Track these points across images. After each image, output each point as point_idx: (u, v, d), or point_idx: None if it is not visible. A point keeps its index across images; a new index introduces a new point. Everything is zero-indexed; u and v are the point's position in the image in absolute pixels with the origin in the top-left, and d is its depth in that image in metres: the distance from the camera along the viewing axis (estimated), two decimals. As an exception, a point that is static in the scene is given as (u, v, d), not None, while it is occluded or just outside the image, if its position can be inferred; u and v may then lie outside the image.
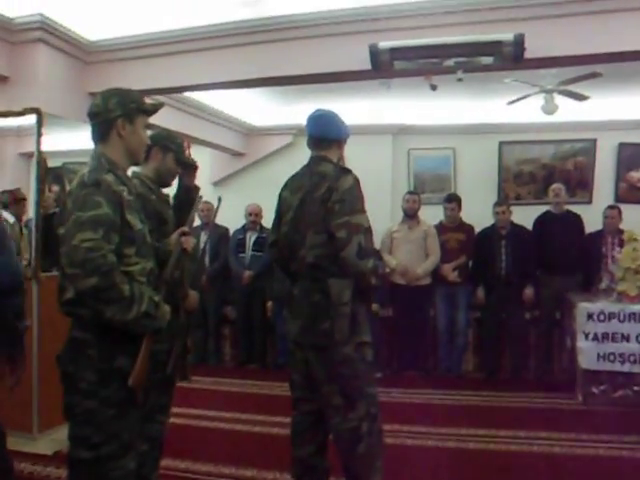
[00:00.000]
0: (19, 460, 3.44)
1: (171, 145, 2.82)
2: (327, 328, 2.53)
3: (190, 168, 2.94)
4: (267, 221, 6.32)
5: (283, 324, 6.30)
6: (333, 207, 2.52)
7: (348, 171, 2.62)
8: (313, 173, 2.67)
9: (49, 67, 4.14)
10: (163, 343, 2.42)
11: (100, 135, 2.04)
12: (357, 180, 2.60)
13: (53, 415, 3.24)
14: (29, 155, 6.99)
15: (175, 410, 3.10)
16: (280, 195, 2.83)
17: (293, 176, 2.81)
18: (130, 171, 2.47)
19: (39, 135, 3.92)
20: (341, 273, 2.53)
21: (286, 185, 2.81)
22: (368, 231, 2.59)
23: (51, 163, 4.43)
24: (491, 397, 5.01)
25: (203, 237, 6.24)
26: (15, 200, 5.11)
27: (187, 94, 5.59)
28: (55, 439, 3.69)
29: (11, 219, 4.70)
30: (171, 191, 2.94)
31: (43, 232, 3.88)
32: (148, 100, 2.30)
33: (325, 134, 2.73)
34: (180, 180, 2.95)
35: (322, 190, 2.57)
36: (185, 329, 2.76)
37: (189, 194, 2.85)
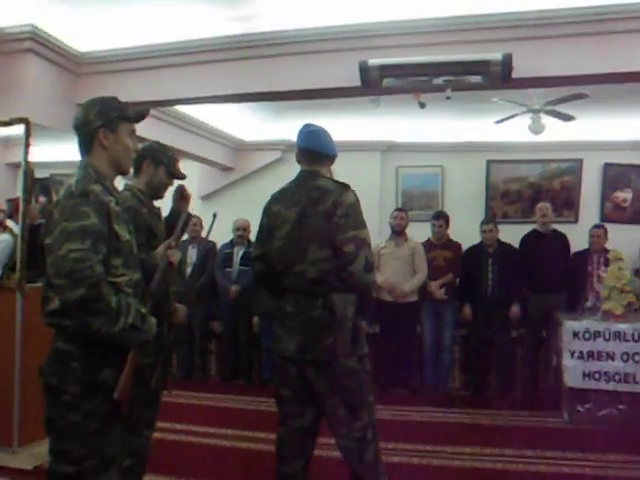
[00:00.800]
0: (-1, 475, 3.40)
1: (163, 158, 2.82)
2: (331, 343, 2.51)
3: (180, 179, 2.94)
4: (255, 236, 6.32)
5: (269, 339, 6.27)
6: (339, 222, 2.53)
7: (348, 186, 2.64)
8: (311, 187, 2.63)
9: (38, 77, 4.13)
10: (148, 356, 2.41)
11: (84, 146, 2.03)
12: (357, 196, 2.62)
13: (34, 429, 3.20)
14: (16, 165, 6.95)
15: (160, 425, 3.07)
16: (268, 208, 2.77)
17: (283, 190, 2.76)
18: (122, 183, 2.46)
19: (27, 145, 3.90)
20: (344, 287, 2.54)
21: (276, 199, 2.74)
22: (369, 246, 2.62)
23: (39, 174, 4.41)
24: (477, 415, 4.99)
25: (191, 251, 6.23)
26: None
27: (177, 108, 5.60)
28: (36, 453, 3.63)
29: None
30: (162, 204, 2.92)
31: (28, 243, 3.85)
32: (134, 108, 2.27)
33: (322, 149, 2.72)
34: (173, 204, 2.96)
35: (326, 205, 2.55)
36: (169, 342, 2.74)
37: (178, 218, 2.83)
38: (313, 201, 2.58)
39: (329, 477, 2.81)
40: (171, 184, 2.90)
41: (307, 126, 2.77)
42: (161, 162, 2.81)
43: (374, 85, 3.90)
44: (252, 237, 6.27)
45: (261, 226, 2.79)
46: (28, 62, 4.05)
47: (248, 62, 4.17)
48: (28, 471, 3.51)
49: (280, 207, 2.68)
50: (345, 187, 2.62)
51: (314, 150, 2.70)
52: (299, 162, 2.76)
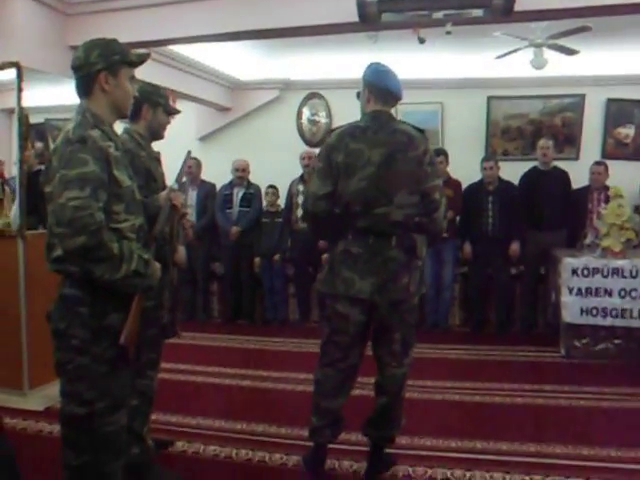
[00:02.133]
0: (10, 416, 3.50)
1: (160, 99, 2.82)
2: (406, 282, 2.63)
3: (176, 113, 2.95)
4: (254, 176, 6.30)
5: (270, 279, 6.32)
6: (427, 169, 2.62)
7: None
8: (395, 131, 2.62)
9: (27, 19, 4.02)
10: (152, 299, 2.44)
11: (83, 89, 1.99)
12: None
13: (43, 371, 3.26)
14: (10, 111, 6.85)
15: (165, 365, 3.13)
16: (345, 145, 2.60)
17: (361, 128, 2.64)
18: (121, 127, 2.43)
19: (19, 90, 3.84)
20: (417, 230, 2.66)
21: (353, 136, 2.61)
22: None
23: (33, 119, 4.35)
24: (477, 350, 5.10)
25: (191, 193, 6.22)
26: None
27: (172, 47, 5.47)
28: (46, 395, 3.72)
29: None
30: (156, 146, 2.90)
31: (27, 190, 3.84)
32: (133, 51, 2.23)
33: (397, 90, 2.71)
34: None
35: (418, 151, 2.60)
36: (174, 284, 2.77)
37: None
38: (402, 146, 2.59)
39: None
40: (169, 122, 2.89)
41: (380, 65, 2.74)
42: (159, 104, 2.81)
43: (372, 20, 3.80)
44: (251, 178, 6.26)
45: (332, 162, 2.62)
46: (16, 3, 3.93)
47: (243, -1, 4.05)
48: (39, 412, 3.61)
49: (362, 146, 2.60)
50: (424, 134, 2.69)
51: (391, 90, 2.69)
52: (367, 100, 2.71)
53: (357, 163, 2.59)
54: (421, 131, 2.70)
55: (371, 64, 2.75)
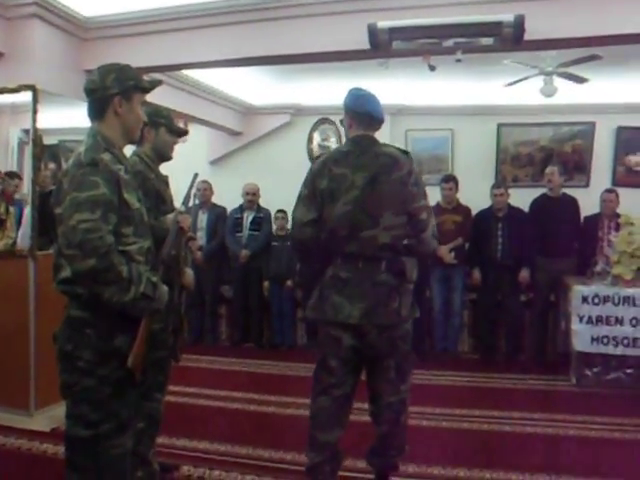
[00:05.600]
0: (16, 437, 3.49)
1: (160, 119, 2.82)
2: (397, 307, 2.58)
3: (183, 134, 2.98)
4: (264, 200, 6.34)
5: (279, 303, 6.32)
6: (412, 190, 2.61)
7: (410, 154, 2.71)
8: (378, 154, 2.63)
9: (45, 43, 4.08)
10: (159, 322, 2.44)
11: (96, 112, 2.02)
12: None
13: (50, 392, 3.26)
14: (25, 132, 6.92)
15: (172, 388, 3.12)
16: (328, 170, 2.63)
17: (343, 153, 2.69)
18: (129, 150, 2.46)
19: (34, 112, 3.90)
20: (406, 252, 2.64)
21: (336, 161, 2.65)
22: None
23: (47, 141, 4.39)
24: (486, 378, 5.05)
25: (201, 216, 6.26)
26: None
27: (185, 72, 5.54)
28: (52, 416, 3.71)
29: None
30: (167, 169, 2.92)
31: (40, 210, 3.88)
32: (146, 77, 2.27)
33: (378, 114, 2.72)
34: None
35: (402, 172, 2.59)
36: (180, 308, 2.76)
37: None
38: (386, 168, 2.59)
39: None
40: (176, 142, 2.90)
41: (359, 90, 2.74)
42: (159, 124, 2.81)
43: (383, 48, 3.83)
44: (261, 202, 6.30)
45: (316, 189, 2.65)
46: (34, 28, 3.99)
47: (256, 25, 4.10)
48: (45, 433, 3.60)
49: (345, 170, 2.60)
50: (409, 155, 2.69)
51: (372, 115, 2.69)
52: (349, 126, 2.72)
53: (341, 187, 2.59)
54: (406, 153, 2.70)
55: (351, 90, 2.76)
